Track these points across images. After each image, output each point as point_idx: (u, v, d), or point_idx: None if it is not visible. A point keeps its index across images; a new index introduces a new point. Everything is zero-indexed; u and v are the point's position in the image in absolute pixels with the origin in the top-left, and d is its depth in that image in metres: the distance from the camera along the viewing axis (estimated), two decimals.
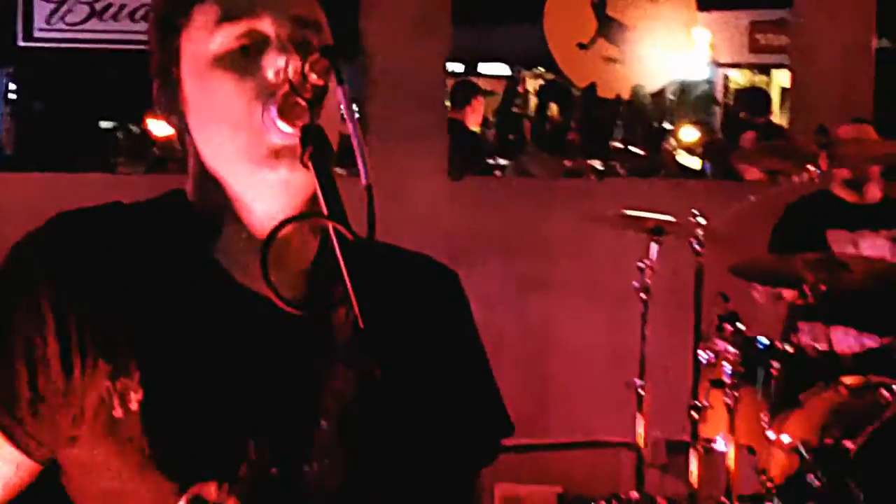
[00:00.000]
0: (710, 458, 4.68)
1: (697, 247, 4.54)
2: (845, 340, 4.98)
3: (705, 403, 4.51)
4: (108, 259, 1.52)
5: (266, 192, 1.52)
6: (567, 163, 7.65)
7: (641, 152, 7.80)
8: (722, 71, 13.10)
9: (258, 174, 1.50)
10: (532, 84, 14.21)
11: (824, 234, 5.24)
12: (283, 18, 1.52)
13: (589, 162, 7.26)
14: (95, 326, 1.49)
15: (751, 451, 4.60)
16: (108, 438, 1.48)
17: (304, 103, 1.44)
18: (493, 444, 1.73)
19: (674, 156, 9.14)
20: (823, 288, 4.52)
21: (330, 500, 1.54)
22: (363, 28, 6.11)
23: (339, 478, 1.55)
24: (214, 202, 1.56)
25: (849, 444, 4.11)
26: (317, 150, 1.41)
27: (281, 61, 1.48)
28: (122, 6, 6.29)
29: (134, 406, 1.47)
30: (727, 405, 4.47)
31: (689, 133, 9.57)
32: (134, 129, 10.86)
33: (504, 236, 6.02)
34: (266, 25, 1.52)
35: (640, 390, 4.89)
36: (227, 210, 1.56)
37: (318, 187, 1.39)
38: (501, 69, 15.62)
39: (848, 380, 4.51)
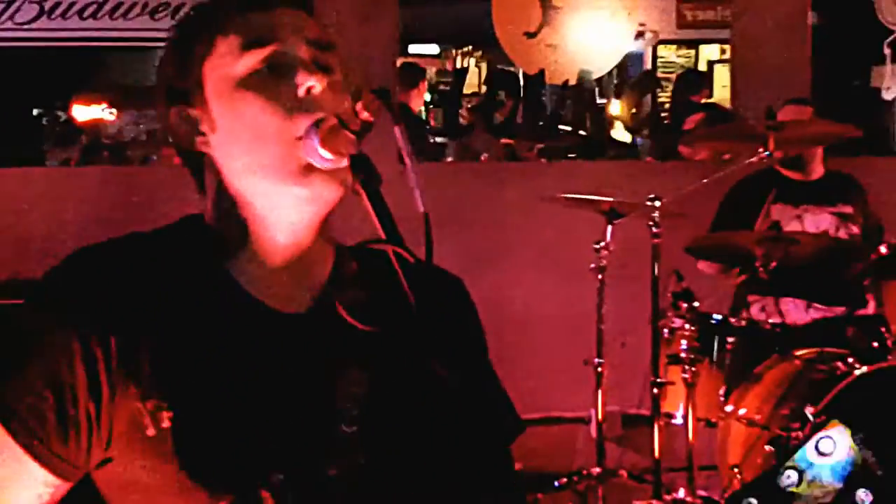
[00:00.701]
0: (667, 431, 4.80)
1: (654, 227, 4.63)
2: (795, 312, 5.12)
3: (666, 379, 4.62)
4: (130, 288, 1.59)
5: (294, 205, 1.61)
6: (512, 143, 7.75)
7: (586, 134, 7.93)
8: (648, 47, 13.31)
9: (288, 189, 1.59)
10: (462, 62, 14.24)
11: (769, 210, 5.39)
12: (304, 42, 1.62)
13: (537, 145, 7.37)
14: (122, 353, 1.55)
15: (709, 423, 4.72)
16: (143, 456, 1.55)
17: (351, 136, 1.53)
18: (505, 443, 1.81)
19: (609, 132, 9.28)
20: (774, 263, 4.68)
21: (355, 501, 1.61)
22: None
23: (363, 480, 1.62)
24: (234, 222, 1.64)
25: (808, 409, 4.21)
26: (366, 177, 1.51)
27: (311, 81, 1.58)
28: (72, 4, 6.27)
29: (166, 424, 1.54)
30: (685, 380, 4.59)
31: (619, 107, 9.73)
32: (60, 115, 10.72)
33: (456, 219, 6.08)
34: (291, 48, 1.61)
35: (598, 368, 4.99)
36: (246, 229, 1.64)
37: (372, 213, 1.48)
38: (431, 49, 15.64)
39: (801, 352, 4.66)
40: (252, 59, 1.60)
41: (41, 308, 1.58)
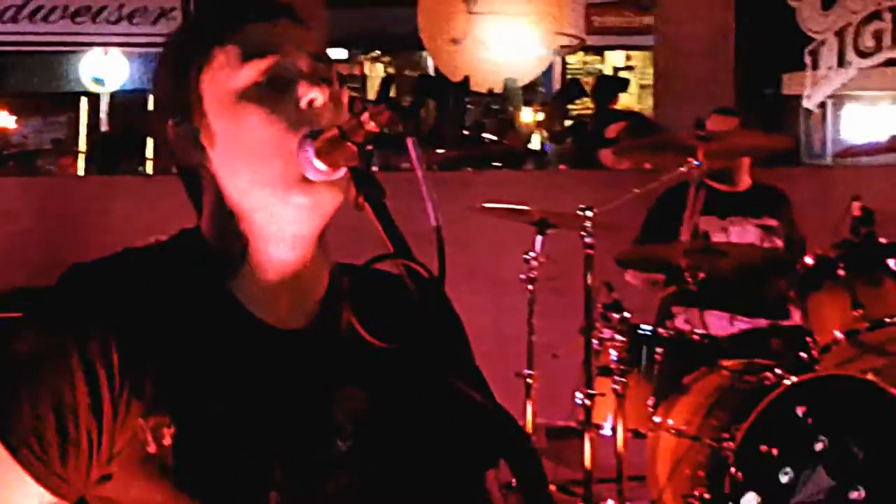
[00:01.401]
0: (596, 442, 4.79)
1: (586, 238, 4.63)
2: (719, 324, 5.14)
3: (596, 391, 4.61)
4: (131, 305, 1.57)
5: (295, 216, 1.60)
6: (441, 153, 7.70)
7: (509, 143, 7.91)
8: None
9: (289, 199, 1.58)
10: (371, 69, 14.21)
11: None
12: (304, 54, 1.61)
13: (462, 153, 7.33)
14: (125, 371, 1.53)
15: (638, 434, 4.72)
16: (142, 474, 1.54)
17: (352, 148, 1.48)
18: (499, 448, 1.79)
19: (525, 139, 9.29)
20: (702, 275, 4.70)
21: None
22: None
23: (360, 494, 1.63)
24: (234, 238, 1.63)
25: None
26: (370, 191, 1.46)
27: (313, 93, 1.57)
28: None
29: (168, 441, 1.53)
30: (615, 391, 4.59)
31: (542, 116, 9.75)
32: None
33: None
34: (292, 60, 1.60)
35: (528, 380, 4.98)
36: (245, 245, 1.62)
37: (379, 228, 1.44)
38: (340, 54, 15.58)
39: (729, 363, 4.68)
40: (252, 71, 1.59)
41: (41, 327, 1.57)
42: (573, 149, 7.77)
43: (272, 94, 1.58)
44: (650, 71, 11.54)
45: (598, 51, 12.43)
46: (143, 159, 9.29)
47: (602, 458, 4.72)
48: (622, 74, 11.51)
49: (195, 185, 1.68)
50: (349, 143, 1.49)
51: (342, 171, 1.53)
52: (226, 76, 1.60)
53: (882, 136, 6.47)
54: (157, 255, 1.65)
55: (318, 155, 1.53)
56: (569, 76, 11.83)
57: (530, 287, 5.01)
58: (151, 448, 1.53)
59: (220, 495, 1.54)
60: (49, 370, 1.53)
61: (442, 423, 1.69)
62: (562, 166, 8.73)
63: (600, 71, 12.14)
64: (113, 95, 11.10)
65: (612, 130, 7.31)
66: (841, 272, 4.59)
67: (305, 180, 1.56)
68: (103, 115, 10.67)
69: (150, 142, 9.09)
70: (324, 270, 1.69)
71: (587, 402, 4.55)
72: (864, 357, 4.65)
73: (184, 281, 1.62)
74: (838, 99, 7.30)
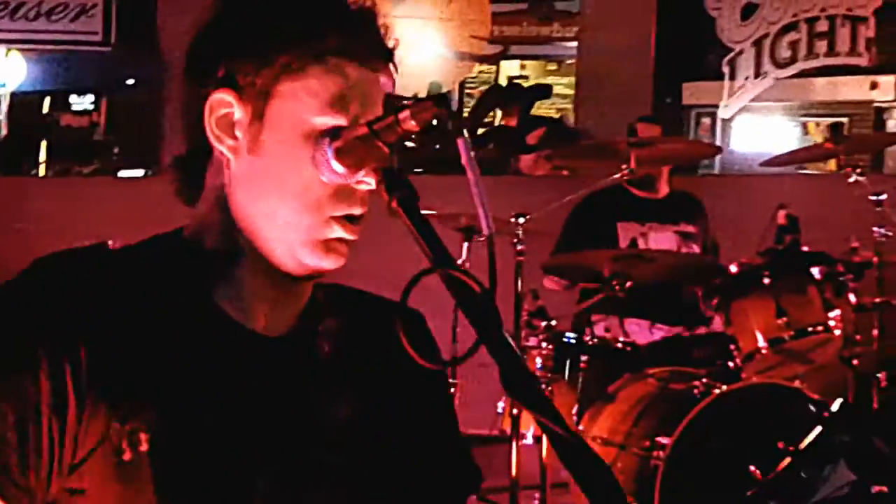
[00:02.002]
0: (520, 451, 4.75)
1: (517, 245, 4.59)
2: (639, 332, 5.14)
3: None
4: (102, 302, 1.49)
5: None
6: None
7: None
8: None
9: (298, 255, 1.52)
10: None
11: (614, 227, 5.42)
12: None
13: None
14: (94, 371, 1.45)
15: None
16: (117, 484, 1.46)
17: (384, 149, 1.40)
18: (466, 492, 1.76)
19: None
20: (630, 283, 4.68)
21: None
22: (160, 25, 5.97)
23: None
24: (231, 242, 1.55)
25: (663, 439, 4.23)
26: (404, 194, 1.37)
27: (369, 182, 1.46)
28: None
29: (144, 447, 1.46)
30: None
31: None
32: None
33: None
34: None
35: (452, 388, 4.92)
36: (243, 255, 1.55)
37: (415, 234, 1.36)
38: None
39: (654, 371, 4.67)
40: (332, 123, 1.49)
41: (3, 323, 1.47)
42: (495, 154, 7.75)
43: None
44: (544, 81, 11.65)
45: (493, 60, 12.47)
46: (37, 162, 9.09)
47: (524, 466, 4.69)
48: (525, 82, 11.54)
49: (195, 169, 1.58)
50: (380, 143, 1.40)
51: (361, 174, 1.45)
52: (305, 106, 1.50)
53: (771, 148, 6.62)
54: (135, 255, 1.57)
55: (339, 155, 1.45)
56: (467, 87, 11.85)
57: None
58: (127, 455, 1.45)
59: (202, 502, 1.49)
60: (9, 362, 1.45)
61: (423, 445, 1.67)
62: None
63: (495, 80, 12.18)
64: (12, 96, 10.85)
65: (532, 137, 7.30)
66: (766, 280, 4.60)
67: (323, 246, 1.51)
68: (2, 116, 10.42)
69: (43, 145, 8.93)
70: (308, 283, 1.63)
71: (514, 410, 4.49)
72: (786, 364, 4.68)
73: (162, 283, 1.54)
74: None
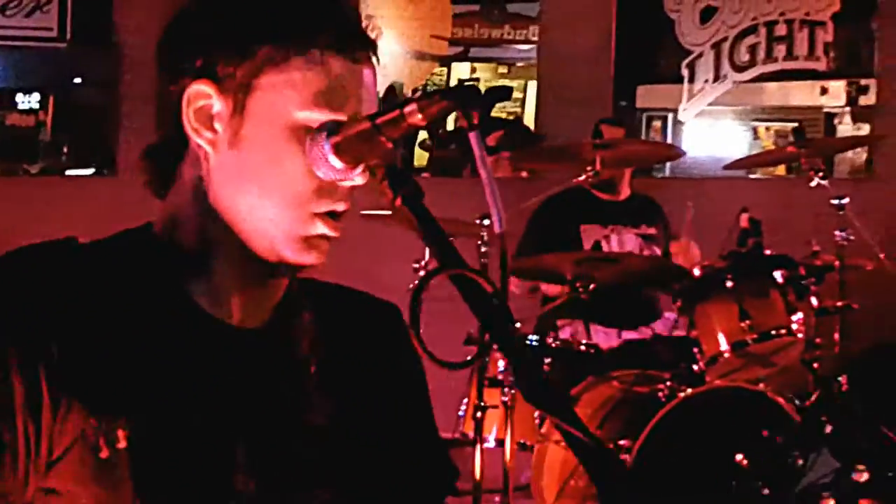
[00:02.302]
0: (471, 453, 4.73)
1: (482, 247, 4.56)
2: (604, 335, 5.13)
3: (486, 403, 4.54)
4: (73, 298, 1.46)
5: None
6: None
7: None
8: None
9: (279, 250, 1.49)
10: None
11: (577, 230, 5.41)
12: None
13: None
14: (68, 368, 1.42)
15: (524, 447, 4.67)
16: (94, 483, 1.43)
17: (388, 144, 1.36)
18: (444, 489, 1.75)
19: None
20: (594, 286, 4.67)
21: None
22: (116, 21, 5.91)
23: None
24: (208, 236, 1.51)
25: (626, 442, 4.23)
26: (408, 191, 1.33)
27: (355, 178, 1.43)
28: None
29: (122, 444, 1.43)
30: (504, 403, 4.52)
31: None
32: None
33: None
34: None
35: None
36: (220, 244, 1.51)
37: (421, 232, 1.32)
38: None
39: (618, 374, 4.66)
40: (316, 118, 1.45)
41: None
42: (456, 156, 7.72)
43: None
44: (496, 83, 11.65)
45: (445, 62, 12.45)
46: None
47: (486, 470, 4.67)
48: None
49: (167, 161, 1.54)
50: (383, 139, 1.35)
51: (357, 171, 1.41)
52: (289, 99, 1.46)
53: (722, 152, 6.66)
54: (105, 249, 1.54)
55: (338, 151, 1.40)
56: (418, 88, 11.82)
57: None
58: (104, 453, 1.42)
59: (181, 500, 1.46)
60: None
61: (401, 440, 1.66)
62: (425, 174, 8.68)
63: (447, 82, 12.16)
64: None
65: (492, 139, 7.29)
66: (729, 283, 4.61)
67: (304, 242, 1.48)
68: None
69: None
70: (285, 277, 1.59)
71: (478, 414, 4.46)
72: (749, 368, 4.69)
73: (135, 278, 1.51)
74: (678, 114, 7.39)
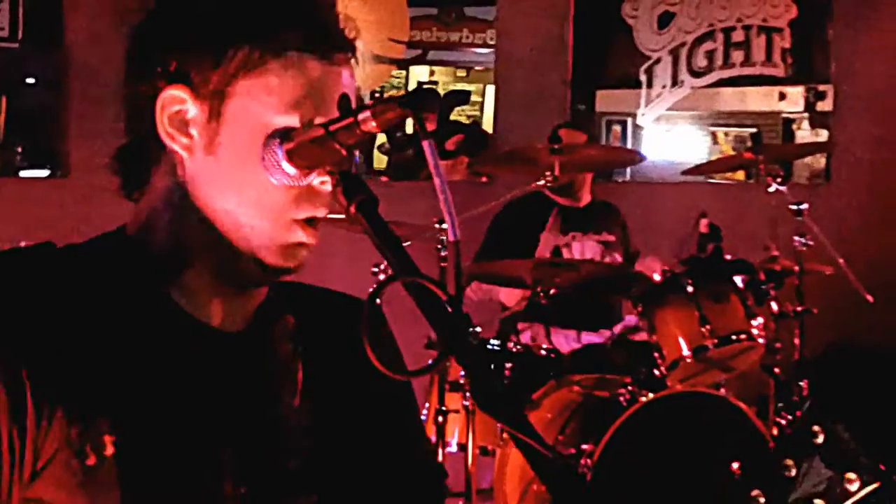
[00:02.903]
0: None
1: (441, 251, 4.55)
2: (565, 339, 5.14)
3: (447, 407, 4.53)
4: (54, 303, 1.43)
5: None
6: None
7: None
8: None
9: (259, 255, 1.49)
10: None
11: (537, 236, 5.41)
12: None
13: None
14: (51, 375, 1.40)
15: (485, 452, 4.66)
16: (82, 489, 1.40)
17: (341, 151, 1.35)
18: (438, 488, 1.76)
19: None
20: (554, 291, 4.67)
21: None
22: (66, 23, 5.87)
23: None
24: (187, 239, 1.50)
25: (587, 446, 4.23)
26: (362, 199, 1.33)
27: (327, 183, 1.43)
28: None
29: (109, 450, 1.41)
30: (465, 407, 4.51)
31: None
32: None
33: None
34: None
35: None
36: (199, 247, 1.50)
37: (376, 240, 1.31)
38: None
39: (578, 378, 4.67)
40: (296, 123, 1.44)
41: None
42: (413, 159, 7.71)
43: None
44: (454, 86, 11.66)
45: (402, 65, 12.45)
46: None
47: (449, 474, 4.65)
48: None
49: (138, 164, 1.52)
50: (337, 146, 1.34)
51: (311, 178, 1.41)
52: (265, 104, 1.44)
53: (681, 157, 6.68)
54: (84, 254, 1.52)
55: (291, 157, 1.39)
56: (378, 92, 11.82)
57: (378, 301, 4.90)
58: (91, 460, 1.39)
59: None
60: None
61: (387, 445, 1.65)
62: (383, 178, 8.66)
63: (405, 86, 12.16)
64: None
65: (451, 143, 7.29)
66: (689, 288, 4.61)
67: (286, 250, 1.48)
68: None
69: None
70: (263, 282, 1.59)
71: (440, 418, 4.45)
72: (710, 372, 4.70)
73: (115, 283, 1.49)
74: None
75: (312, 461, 1.56)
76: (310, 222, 1.47)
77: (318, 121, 1.43)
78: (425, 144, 1.28)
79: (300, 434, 1.56)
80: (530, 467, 1.26)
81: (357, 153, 9.04)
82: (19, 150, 7.33)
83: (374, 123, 1.32)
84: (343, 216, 1.36)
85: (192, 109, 1.47)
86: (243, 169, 1.45)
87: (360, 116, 1.32)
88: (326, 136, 1.35)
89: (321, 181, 1.43)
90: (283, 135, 1.40)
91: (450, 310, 1.26)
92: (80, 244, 1.53)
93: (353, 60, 1.53)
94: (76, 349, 1.42)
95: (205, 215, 1.48)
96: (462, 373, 4.56)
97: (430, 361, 1.28)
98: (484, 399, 1.28)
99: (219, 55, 1.46)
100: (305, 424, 1.57)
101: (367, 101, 1.42)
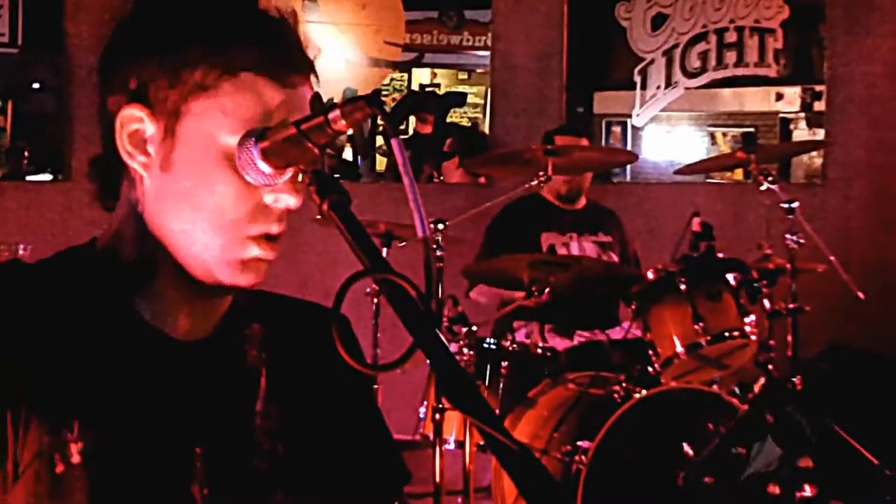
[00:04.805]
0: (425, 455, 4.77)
1: (437, 251, 4.60)
2: (560, 338, 5.18)
3: (444, 405, 4.57)
4: (23, 317, 1.47)
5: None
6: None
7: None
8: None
9: (214, 272, 1.51)
10: None
11: (537, 237, 5.46)
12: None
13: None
14: (23, 385, 1.43)
15: (482, 449, 4.70)
16: (51, 498, 1.43)
17: (314, 150, 1.36)
18: (394, 491, 1.77)
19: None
20: (549, 289, 4.72)
21: None
22: (67, 30, 5.91)
23: None
24: (147, 257, 1.52)
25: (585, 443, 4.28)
26: (335, 198, 1.33)
27: (291, 201, 1.46)
28: None
29: (76, 458, 1.44)
30: None
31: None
32: None
33: None
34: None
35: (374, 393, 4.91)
36: (159, 265, 1.52)
37: (348, 238, 1.32)
38: None
39: (573, 375, 4.72)
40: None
41: None
42: (413, 162, 7.74)
43: None
44: (455, 89, 11.69)
45: (405, 68, 12.48)
46: None
47: (447, 472, 4.70)
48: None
49: (111, 176, 1.55)
50: (310, 145, 1.36)
51: (287, 176, 1.42)
52: (219, 124, 1.47)
53: (681, 157, 6.72)
54: (52, 269, 1.55)
55: (266, 156, 1.40)
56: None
57: (375, 301, 4.97)
58: (59, 468, 1.43)
59: None
60: None
61: (349, 447, 1.69)
62: (382, 181, 8.70)
63: (408, 88, 12.18)
64: None
65: (447, 144, 7.32)
66: (682, 286, 4.66)
67: (241, 265, 1.49)
68: None
69: None
70: (223, 296, 1.61)
71: (437, 416, 4.50)
72: (703, 369, 4.75)
73: (81, 296, 1.52)
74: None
75: (279, 462, 1.59)
76: (267, 238, 1.49)
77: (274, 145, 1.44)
78: (393, 142, 1.31)
79: (266, 437, 1.58)
80: (496, 459, 1.27)
81: (360, 158, 9.08)
82: (26, 154, 7.39)
83: (344, 122, 1.33)
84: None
85: (150, 128, 1.50)
86: (197, 186, 1.48)
87: (331, 116, 1.33)
88: (299, 135, 1.36)
89: (274, 199, 1.45)
90: (259, 134, 1.41)
91: (420, 306, 1.27)
92: (48, 258, 1.57)
93: (313, 78, 1.54)
94: (44, 360, 1.45)
95: (160, 234, 1.51)
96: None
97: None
98: (450, 392, 1.30)
99: (175, 74, 1.48)
100: (272, 427, 1.59)
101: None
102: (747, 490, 3.87)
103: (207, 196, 1.47)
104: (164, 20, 1.52)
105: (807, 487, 3.87)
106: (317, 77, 1.55)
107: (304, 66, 1.53)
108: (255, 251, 1.49)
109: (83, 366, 1.47)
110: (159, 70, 1.48)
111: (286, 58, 1.51)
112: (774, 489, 3.75)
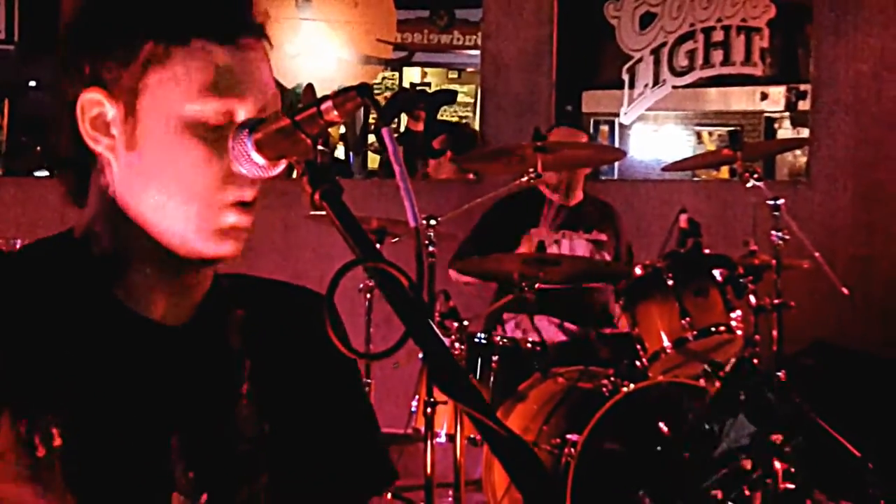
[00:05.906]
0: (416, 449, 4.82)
1: (429, 247, 4.66)
2: (549, 330, 5.24)
3: (436, 398, 4.63)
4: (2, 305, 1.48)
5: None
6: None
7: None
8: None
9: (193, 245, 1.51)
10: None
11: (526, 231, 5.50)
12: (260, 106, 1.50)
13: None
14: (2, 370, 1.44)
15: (474, 442, 4.77)
16: (34, 481, 1.44)
17: (307, 141, 1.37)
18: (377, 483, 1.78)
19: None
20: (540, 285, 4.79)
21: None
22: (62, 25, 5.91)
23: (267, 501, 1.59)
24: (123, 240, 1.53)
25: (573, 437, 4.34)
26: (328, 187, 1.34)
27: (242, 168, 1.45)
28: None
29: (57, 442, 1.44)
30: None
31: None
32: None
33: None
34: (246, 113, 1.49)
35: (366, 388, 4.98)
36: (136, 247, 1.53)
37: (340, 227, 1.33)
38: None
39: (563, 370, 4.78)
40: (207, 107, 1.48)
41: None
42: (405, 158, 7.78)
43: (219, 140, 1.47)
44: (446, 87, 11.75)
45: (396, 66, 12.53)
46: None
47: (438, 465, 4.76)
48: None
49: (80, 171, 1.56)
50: (303, 136, 1.36)
51: (280, 167, 1.42)
52: (177, 94, 1.48)
53: (668, 155, 6.79)
54: (28, 257, 1.57)
55: (259, 148, 1.40)
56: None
57: (368, 296, 5.04)
58: (40, 452, 1.44)
59: (115, 498, 1.48)
60: None
61: (332, 435, 1.68)
62: (375, 178, 8.76)
63: (399, 87, 12.24)
64: None
65: (437, 142, 7.37)
66: (669, 282, 4.72)
67: (218, 235, 1.49)
68: None
69: None
70: (209, 274, 1.61)
71: (429, 410, 4.56)
72: (690, 364, 4.81)
73: (58, 283, 1.53)
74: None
75: (262, 445, 1.59)
76: (241, 205, 1.49)
77: (234, 104, 1.48)
78: (384, 132, 1.34)
79: (249, 420, 1.59)
80: (488, 447, 1.29)
81: (353, 155, 9.08)
82: (38, 149, 7.44)
83: (335, 113, 1.34)
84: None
85: (111, 110, 1.50)
86: (163, 159, 1.48)
87: (323, 107, 1.34)
88: (292, 126, 1.37)
89: (238, 166, 1.44)
90: (252, 125, 1.41)
91: (410, 294, 1.29)
92: (23, 247, 1.58)
93: (265, 43, 1.54)
94: (22, 346, 1.46)
95: (135, 215, 1.52)
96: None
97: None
98: (441, 380, 1.31)
99: (126, 53, 1.48)
100: (254, 411, 1.60)
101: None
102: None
103: (175, 167, 1.48)
104: (109, 2, 1.53)
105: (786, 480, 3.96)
106: (270, 43, 1.56)
107: (253, 29, 1.53)
108: (230, 218, 1.49)
109: (63, 350, 1.48)
110: (110, 51, 1.49)
111: (233, 21, 1.51)
112: (746, 464, 3.82)
